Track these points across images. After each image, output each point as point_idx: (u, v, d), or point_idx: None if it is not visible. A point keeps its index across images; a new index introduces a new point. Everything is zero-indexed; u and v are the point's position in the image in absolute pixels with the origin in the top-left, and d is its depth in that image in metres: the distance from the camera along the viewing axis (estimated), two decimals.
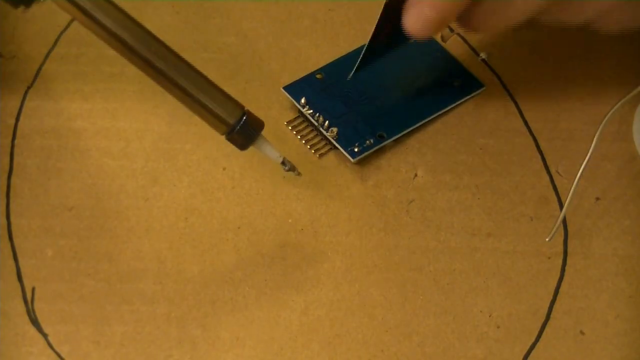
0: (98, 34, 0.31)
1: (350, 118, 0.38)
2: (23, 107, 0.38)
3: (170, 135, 0.37)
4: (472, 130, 0.38)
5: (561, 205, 0.36)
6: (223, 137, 0.37)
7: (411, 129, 0.38)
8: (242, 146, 0.34)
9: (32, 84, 0.38)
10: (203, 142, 0.37)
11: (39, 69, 0.39)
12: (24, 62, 0.39)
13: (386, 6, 0.34)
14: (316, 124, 0.37)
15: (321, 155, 0.37)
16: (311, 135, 0.38)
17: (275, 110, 0.38)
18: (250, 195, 0.36)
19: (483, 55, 0.40)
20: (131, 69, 0.39)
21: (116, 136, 0.37)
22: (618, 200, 0.36)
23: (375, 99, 0.38)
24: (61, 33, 0.40)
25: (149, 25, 0.32)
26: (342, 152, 0.37)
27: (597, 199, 0.36)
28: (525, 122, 0.38)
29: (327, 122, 0.37)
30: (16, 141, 0.37)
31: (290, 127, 0.38)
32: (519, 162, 0.37)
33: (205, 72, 0.35)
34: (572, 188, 0.35)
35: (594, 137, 0.35)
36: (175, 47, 0.34)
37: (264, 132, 0.34)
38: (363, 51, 0.36)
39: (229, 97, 0.33)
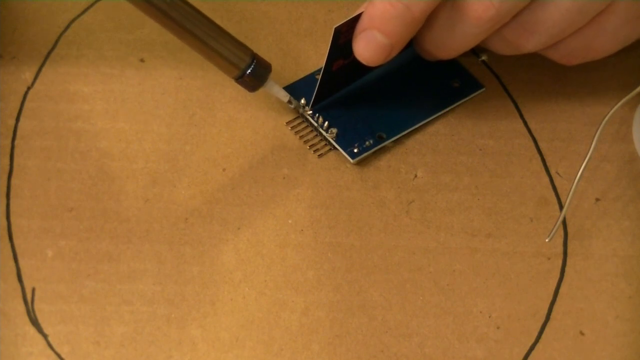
0: None
1: (350, 119, 0.38)
2: (23, 108, 0.38)
3: (170, 136, 0.37)
4: (472, 131, 0.38)
5: (561, 206, 0.36)
6: (223, 138, 0.37)
7: (411, 129, 0.38)
8: (253, 88, 0.36)
9: (32, 85, 0.38)
10: (202, 143, 0.37)
11: (39, 70, 0.39)
12: (24, 63, 0.39)
13: (335, 33, 0.34)
14: (316, 124, 0.37)
15: (321, 155, 0.37)
16: (311, 136, 0.38)
17: (275, 110, 0.38)
18: (250, 196, 0.36)
19: (483, 56, 0.40)
20: (131, 71, 0.39)
21: (116, 137, 0.37)
22: (618, 201, 0.36)
23: (374, 99, 0.38)
24: (61, 34, 0.40)
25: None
26: (342, 153, 0.37)
27: (597, 199, 0.36)
28: (525, 123, 0.38)
29: (326, 122, 0.37)
30: (16, 142, 0.37)
31: (290, 128, 0.38)
32: (519, 163, 0.37)
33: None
34: (572, 189, 0.35)
35: (593, 138, 0.35)
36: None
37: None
38: (317, 85, 0.36)
39: (239, 42, 0.35)
